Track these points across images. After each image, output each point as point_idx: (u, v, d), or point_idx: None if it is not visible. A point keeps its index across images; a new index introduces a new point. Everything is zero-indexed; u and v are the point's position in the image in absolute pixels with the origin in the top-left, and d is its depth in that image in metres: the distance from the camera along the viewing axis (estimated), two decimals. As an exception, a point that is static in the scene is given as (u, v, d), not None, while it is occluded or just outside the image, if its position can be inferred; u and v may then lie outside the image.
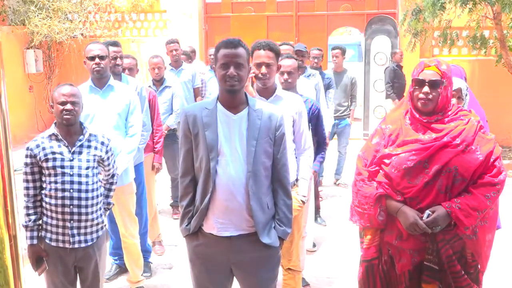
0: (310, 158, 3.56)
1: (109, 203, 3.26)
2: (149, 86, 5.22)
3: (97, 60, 3.73)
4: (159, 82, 5.50)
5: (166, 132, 5.28)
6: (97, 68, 3.74)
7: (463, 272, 2.54)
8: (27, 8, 9.84)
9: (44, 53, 10.52)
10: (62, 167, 2.92)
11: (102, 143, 3.09)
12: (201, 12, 10.42)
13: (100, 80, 3.81)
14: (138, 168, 4.28)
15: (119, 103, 3.83)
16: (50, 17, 9.75)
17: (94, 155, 3.02)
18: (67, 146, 2.97)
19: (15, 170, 1.30)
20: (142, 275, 4.22)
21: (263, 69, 3.25)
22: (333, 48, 6.94)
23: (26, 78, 10.20)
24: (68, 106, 2.95)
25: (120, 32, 10.62)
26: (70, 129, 3.01)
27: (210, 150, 2.54)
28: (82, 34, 10.02)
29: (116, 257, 4.45)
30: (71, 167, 2.93)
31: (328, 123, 5.79)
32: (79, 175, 2.94)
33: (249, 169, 2.55)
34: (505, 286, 4.19)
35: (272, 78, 3.34)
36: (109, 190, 3.26)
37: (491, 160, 2.54)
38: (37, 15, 9.70)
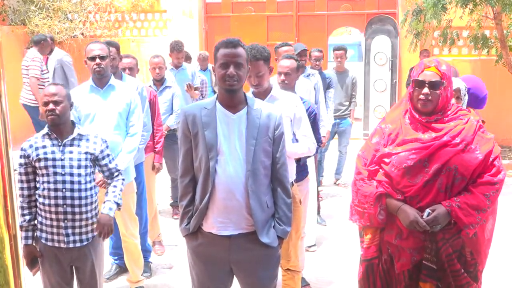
0: (311, 144, 3.51)
1: (117, 204, 3.13)
2: (150, 86, 5.23)
3: (97, 60, 3.73)
4: (159, 82, 5.50)
5: (166, 132, 5.28)
6: (98, 69, 3.74)
7: (462, 271, 2.54)
8: (27, 8, 9.85)
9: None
10: (54, 166, 2.92)
11: (95, 143, 3.07)
12: (201, 12, 10.43)
13: (100, 80, 3.81)
14: (138, 168, 4.28)
15: (120, 103, 3.83)
16: (50, 17, 9.75)
17: (86, 153, 3.01)
18: (59, 146, 2.97)
19: (14, 170, 1.30)
20: (142, 275, 4.22)
21: (256, 81, 3.27)
22: (337, 49, 6.94)
23: (26, 78, 10.21)
24: (50, 106, 2.93)
25: (120, 32, 10.62)
26: (61, 128, 3.00)
27: (210, 149, 2.54)
28: (82, 34, 10.03)
29: (116, 257, 4.45)
30: (63, 167, 2.93)
31: (328, 123, 5.80)
32: (71, 175, 2.94)
33: (248, 168, 2.56)
34: (505, 284, 4.20)
35: (265, 81, 3.33)
36: (114, 187, 3.16)
37: (491, 159, 2.55)
38: (37, 15, 9.71)
